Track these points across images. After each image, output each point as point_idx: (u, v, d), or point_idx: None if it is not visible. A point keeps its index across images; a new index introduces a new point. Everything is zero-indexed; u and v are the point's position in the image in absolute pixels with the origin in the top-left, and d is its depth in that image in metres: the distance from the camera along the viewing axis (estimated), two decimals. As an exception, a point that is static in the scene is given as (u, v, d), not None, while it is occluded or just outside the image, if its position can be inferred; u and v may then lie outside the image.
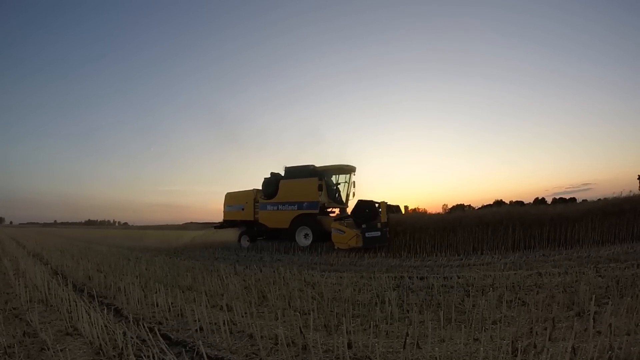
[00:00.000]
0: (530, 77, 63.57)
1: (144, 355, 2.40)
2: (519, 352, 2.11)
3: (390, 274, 5.67)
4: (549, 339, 2.35)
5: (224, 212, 12.64)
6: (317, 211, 10.55)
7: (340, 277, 5.35)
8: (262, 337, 2.76)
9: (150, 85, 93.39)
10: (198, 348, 2.53)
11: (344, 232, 9.29)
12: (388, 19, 67.40)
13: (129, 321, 3.38)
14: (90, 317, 2.95)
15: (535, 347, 2.31)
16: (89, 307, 3.46)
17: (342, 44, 79.25)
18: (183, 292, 4.54)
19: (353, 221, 9.49)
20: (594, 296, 3.04)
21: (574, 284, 4.13)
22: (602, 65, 57.53)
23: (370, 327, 2.85)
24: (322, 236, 10.10)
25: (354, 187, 11.54)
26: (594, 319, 2.56)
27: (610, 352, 2.13)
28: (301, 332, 2.66)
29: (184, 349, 2.66)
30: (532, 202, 20.68)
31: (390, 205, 9.77)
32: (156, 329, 3.09)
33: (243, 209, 12.10)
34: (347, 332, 2.71)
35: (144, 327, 2.90)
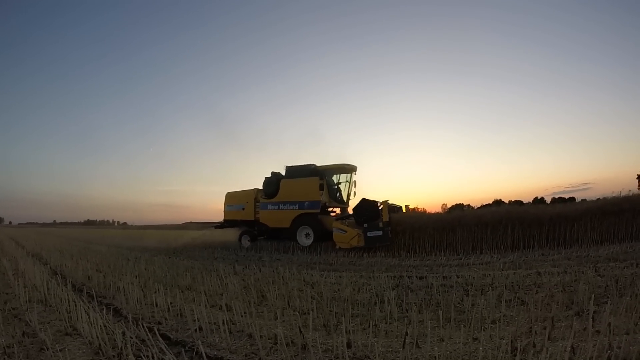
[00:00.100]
0: (529, 77, 63.67)
1: (143, 355, 2.40)
2: (518, 352, 2.11)
3: (389, 273, 5.68)
4: (548, 338, 2.35)
5: (224, 211, 12.63)
6: (318, 211, 10.54)
7: (340, 277, 5.35)
8: (261, 336, 2.76)
9: (150, 85, 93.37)
10: (197, 348, 2.53)
11: (346, 232, 9.29)
12: (388, 19, 67.45)
13: (128, 321, 3.38)
14: (89, 317, 2.95)
15: (534, 346, 2.31)
16: (88, 307, 3.45)
17: (342, 44, 79.30)
18: (182, 291, 4.54)
19: (354, 220, 9.49)
20: (593, 295, 3.04)
21: (573, 283, 4.14)
22: (601, 65, 57.64)
23: (369, 326, 2.85)
24: (323, 236, 10.09)
25: (355, 186, 11.55)
26: (593, 318, 2.56)
27: (609, 351, 2.13)
28: (300, 331, 2.66)
29: (183, 349, 2.66)
30: (531, 201, 20.77)
31: (392, 205, 9.77)
32: (155, 329, 3.09)
33: (244, 209, 12.09)
34: (346, 332, 2.71)
35: (143, 326, 2.90)
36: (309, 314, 3.30)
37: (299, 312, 3.34)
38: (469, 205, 22.71)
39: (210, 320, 3.10)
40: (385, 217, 9.03)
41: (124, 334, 2.73)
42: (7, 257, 9.46)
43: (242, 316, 3.21)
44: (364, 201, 9.53)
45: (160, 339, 2.68)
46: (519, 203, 18.04)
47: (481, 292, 3.93)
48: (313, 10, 74.07)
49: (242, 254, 9.61)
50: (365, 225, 9.01)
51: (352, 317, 3.27)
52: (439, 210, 20.34)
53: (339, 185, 11.52)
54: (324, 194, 10.67)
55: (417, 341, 2.52)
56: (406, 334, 2.48)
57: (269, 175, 11.71)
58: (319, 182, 10.52)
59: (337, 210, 11.57)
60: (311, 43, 79.35)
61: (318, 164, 11.23)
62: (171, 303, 3.77)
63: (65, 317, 3.41)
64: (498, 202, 21.23)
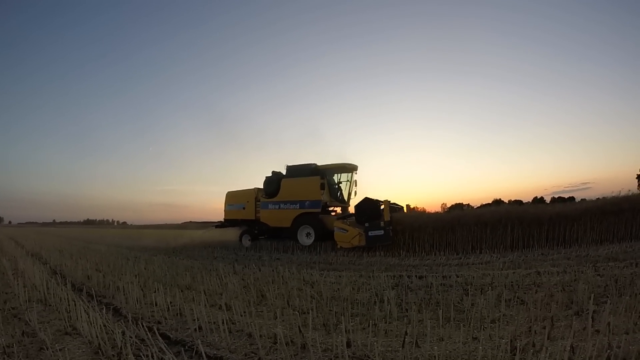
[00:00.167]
0: (529, 77, 63.37)
1: (143, 355, 2.40)
2: (518, 351, 2.11)
3: (389, 273, 5.68)
4: (548, 338, 2.35)
5: (224, 211, 12.61)
6: (319, 210, 10.53)
7: (339, 276, 5.35)
8: (261, 336, 2.76)
9: (149, 85, 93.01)
10: (197, 347, 2.53)
11: (347, 231, 9.27)
12: (388, 18, 67.15)
13: (128, 320, 3.38)
14: (89, 317, 2.95)
15: (534, 345, 2.32)
16: (88, 307, 3.45)
17: (342, 44, 78.95)
18: (182, 291, 4.54)
19: (355, 220, 9.48)
20: (592, 295, 3.05)
21: (573, 282, 4.14)
22: (601, 65, 57.44)
23: (369, 326, 2.85)
24: (324, 235, 10.08)
25: (356, 186, 11.54)
26: (592, 317, 2.56)
27: (609, 350, 2.13)
28: (300, 331, 2.66)
29: (182, 348, 2.66)
30: (530, 201, 20.78)
31: (393, 205, 9.76)
32: (155, 328, 3.09)
33: (244, 208, 12.08)
34: (346, 331, 2.70)
35: (142, 326, 2.90)
36: (308, 313, 3.30)
37: (298, 312, 3.33)
38: (468, 204, 22.77)
39: (209, 320, 3.10)
40: (387, 217, 9.01)
41: (123, 333, 2.73)
42: (6, 256, 9.46)
43: (241, 315, 3.21)
44: (366, 200, 9.50)
45: (159, 338, 2.68)
46: (518, 202, 18.04)
47: (481, 291, 3.94)
48: (313, 9, 73.86)
49: (241, 254, 9.61)
50: (367, 224, 9.01)
51: (351, 316, 3.27)
52: (439, 209, 20.35)
53: (340, 185, 11.51)
54: (325, 193, 10.66)
55: (416, 340, 2.52)
56: (406, 333, 2.48)
57: (269, 174, 11.70)
58: (320, 181, 10.51)
59: (338, 209, 11.56)
60: (311, 42, 79.21)
61: (319, 164, 11.24)
62: (171, 302, 3.77)
63: (64, 317, 3.41)
64: (498, 202, 21.24)
